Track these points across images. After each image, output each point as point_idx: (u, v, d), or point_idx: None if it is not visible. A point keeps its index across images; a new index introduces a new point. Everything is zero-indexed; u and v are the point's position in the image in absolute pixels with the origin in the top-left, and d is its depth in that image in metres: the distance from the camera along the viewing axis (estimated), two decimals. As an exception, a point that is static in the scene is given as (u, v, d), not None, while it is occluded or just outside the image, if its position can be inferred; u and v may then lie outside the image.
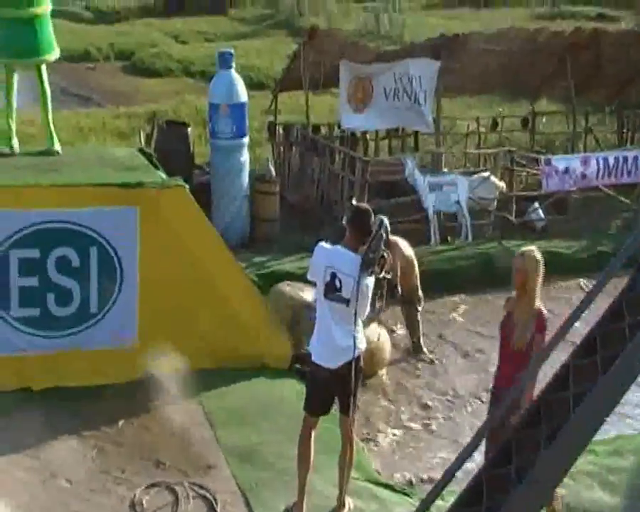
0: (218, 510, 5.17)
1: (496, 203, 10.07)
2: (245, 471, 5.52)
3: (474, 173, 10.32)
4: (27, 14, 6.71)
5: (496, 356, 5.35)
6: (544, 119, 13.22)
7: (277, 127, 11.95)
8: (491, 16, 30.02)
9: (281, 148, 11.77)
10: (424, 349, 7.66)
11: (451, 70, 11.03)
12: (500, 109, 13.31)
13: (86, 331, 6.52)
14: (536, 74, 11.87)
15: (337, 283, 4.89)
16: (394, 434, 6.47)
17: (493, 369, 5.58)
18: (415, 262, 7.57)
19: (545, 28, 11.64)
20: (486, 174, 10.14)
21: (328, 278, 4.92)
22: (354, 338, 4.88)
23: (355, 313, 4.86)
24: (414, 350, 7.65)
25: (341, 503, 5.22)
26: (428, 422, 6.66)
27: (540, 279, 5.10)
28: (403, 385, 7.21)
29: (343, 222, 5.07)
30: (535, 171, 10.80)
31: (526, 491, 2.32)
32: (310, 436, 5.13)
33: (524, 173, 11.18)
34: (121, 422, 6.02)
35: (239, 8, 35.53)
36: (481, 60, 11.42)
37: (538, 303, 5.08)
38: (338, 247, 5.00)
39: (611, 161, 10.50)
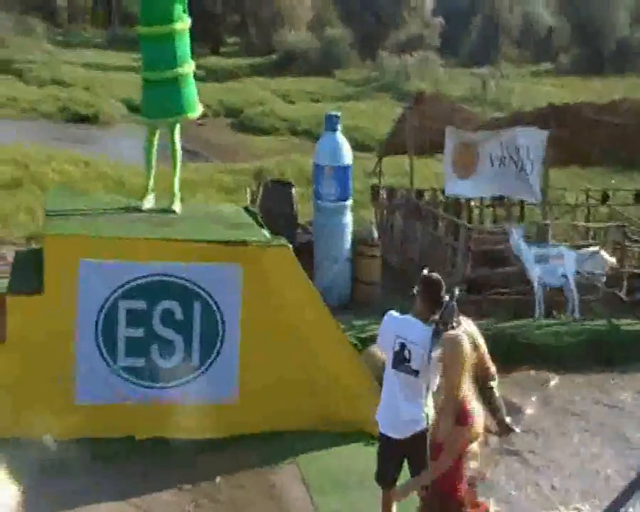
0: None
1: (605, 279, 9.75)
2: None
3: (583, 246, 10.05)
4: (169, 75, 6.92)
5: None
6: (656, 193, 12.81)
7: (381, 190, 12.00)
8: (603, 85, 29.59)
9: (385, 212, 11.80)
10: (512, 426, 7.30)
11: (559, 140, 10.86)
12: (613, 181, 12.98)
13: (188, 384, 6.61)
14: (649, 146, 11.56)
15: (406, 354, 4.86)
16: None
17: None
18: (481, 339, 7.18)
19: (660, 99, 11.34)
20: (595, 248, 9.87)
21: (397, 348, 4.89)
22: (423, 411, 4.78)
23: (427, 387, 4.80)
24: (502, 431, 7.19)
25: None
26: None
27: (458, 365, 4.43)
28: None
29: (415, 292, 5.01)
30: (646, 247, 10.44)
31: None
32: (389, 509, 5.04)
33: (637, 249, 10.81)
34: (218, 479, 6.03)
35: (345, 70, 36.26)
36: (592, 131, 11.20)
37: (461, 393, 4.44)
38: (408, 316, 4.98)
39: None
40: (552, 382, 8.32)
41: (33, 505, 5.32)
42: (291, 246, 6.94)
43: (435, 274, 5.17)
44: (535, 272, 9.41)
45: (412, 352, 4.84)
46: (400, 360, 4.88)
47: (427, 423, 4.76)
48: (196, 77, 7.33)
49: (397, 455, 4.97)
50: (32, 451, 5.68)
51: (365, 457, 6.28)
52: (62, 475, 5.76)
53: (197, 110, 7.21)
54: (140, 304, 6.47)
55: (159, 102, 7.03)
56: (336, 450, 6.46)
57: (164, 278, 6.51)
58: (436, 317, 4.74)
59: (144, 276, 6.46)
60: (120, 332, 6.46)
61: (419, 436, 4.76)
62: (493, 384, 7.13)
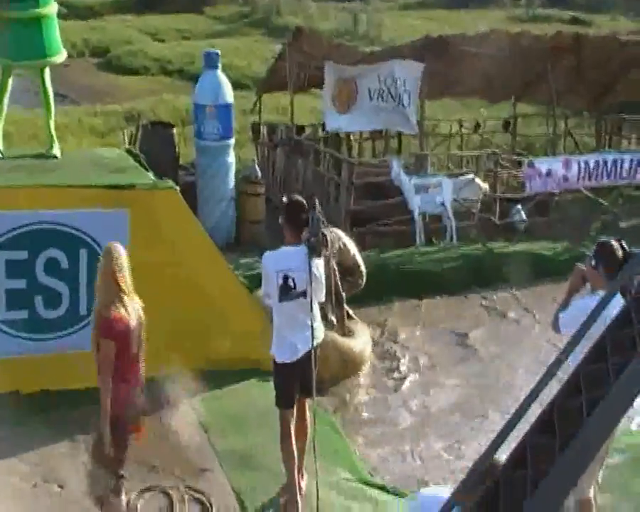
0: (213, 513, 5.16)
1: (479, 205, 10.15)
2: (240, 475, 5.51)
3: (459, 175, 10.39)
4: (32, 15, 6.57)
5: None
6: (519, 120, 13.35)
7: (262, 128, 11.95)
8: (467, 17, 30.24)
9: (266, 149, 11.77)
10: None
11: (434, 72, 11.09)
12: (483, 110, 13.42)
13: (75, 333, 6.47)
14: (518, 77, 11.97)
15: (290, 282, 5.00)
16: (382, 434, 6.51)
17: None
18: (351, 243, 7.43)
19: (527, 32, 11.74)
20: (470, 176, 10.22)
21: (281, 281, 5.01)
22: (312, 328, 5.00)
23: (311, 301, 4.98)
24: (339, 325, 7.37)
25: (301, 474, 5.32)
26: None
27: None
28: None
29: (280, 221, 5.17)
30: (517, 173, 10.91)
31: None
32: (290, 431, 5.21)
33: (506, 175, 11.28)
34: (112, 426, 5.96)
35: (215, 6, 35.39)
36: (464, 63, 11.48)
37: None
38: (282, 248, 5.12)
39: (592, 163, 10.66)
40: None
41: None
42: (177, 188, 6.86)
43: (294, 196, 5.33)
44: (415, 202, 9.68)
45: (296, 277, 4.97)
46: (286, 290, 5.00)
47: (316, 340, 5.02)
48: (57, 14, 6.96)
49: (295, 376, 5.14)
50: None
51: (261, 395, 6.40)
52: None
53: (62, 53, 6.91)
54: (21, 255, 6.24)
55: (22, 43, 6.67)
56: (231, 389, 6.51)
57: (48, 226, 6.30)
58: (306, 234, 4.90)
59: (24, 225, 6.23)
60: (0, 284, 6.22)
61: (309, 354, 4.99)
62: (360, 282, 7.40)
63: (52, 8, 6.72)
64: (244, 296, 7.12)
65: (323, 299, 5.28)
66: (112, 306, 4.40)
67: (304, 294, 4.98)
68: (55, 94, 7.25)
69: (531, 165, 10.42)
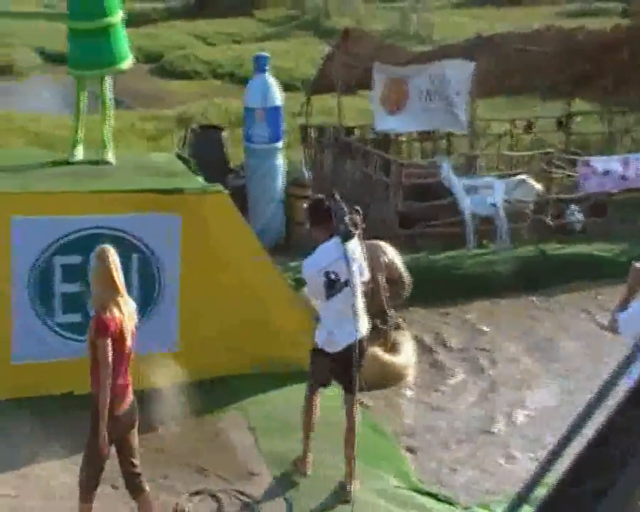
0: (261, 518, 5.17)
1: (532, 206, 9.97)
2: (287, 478, 5.52)
3: (511, 175, 10.23)
4: (100, 24, 6.69)
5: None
6: (578, 119, 13.06)
7: (310, 130, 11.94)
8: (519, 14, 29.83)
9: (314, 151, 11.76)
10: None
11: (486, 71, 10.94)
12: (536, 108, 13.18)
13: (127, 336, 6.54)
14: (572, 73, 11.73)
15: (332, 276, 5.12)
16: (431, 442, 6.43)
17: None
18: (394, 254, 7.45)
19: (583, 27, 11.48)
20: (522, 176, 10.05)
21: (324, 279, 5.13)
22: (357, 321, 5.09)
23: (356, 291, 5.07)
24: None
25: (351, 478, 5.34)
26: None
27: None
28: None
29: (307, 226, 5.37)
30: (572, 173, 10.69)
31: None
32: (312, 408, 5.44)
33: (561, 175, 11.07)
34: (160, 428, 6.03)
35: (264, 9, 35.60)
36: (517, 61, 11.31)
37: None
38: (318, 248, 5.26)
39: (651, 162, 10.37)
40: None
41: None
42: (227, 191, 6.89)
43: (314, 196, 5.54)
44: (466, 203, 9.56)
45: (336, 270, 5.10)
46: (331, 285, 5.13)
47: (359, 333, 5.09)
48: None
49: (331, 368, 5.29)
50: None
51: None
52: (3, 436, 5.68)
53: (129, 60, 7.02)
54: (76, 259, 6.34)
55: (89, 53, 6.80)
56: (279, 393, 6.51)
57: (100, 231, 6.37)
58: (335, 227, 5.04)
59: (78, 231, 6.33)
60: (56, 288, 6.33)
61: (360, 344, 5.08)
62: (403, 293, 7.43)
63: (118, 17, 6.82)
64: (292, 299, 7.12)
65: (367, 277, 5.37)
66: (109, 307, 4.48)
67: (346, 283, 5.07)
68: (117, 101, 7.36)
69: (586, 164, 10.20)
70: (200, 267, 6.64)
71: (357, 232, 5.22)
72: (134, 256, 6.52)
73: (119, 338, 4.49)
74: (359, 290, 5.25)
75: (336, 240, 5.08)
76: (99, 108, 7.19)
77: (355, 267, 5.17)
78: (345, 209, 5.14)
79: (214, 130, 10.88)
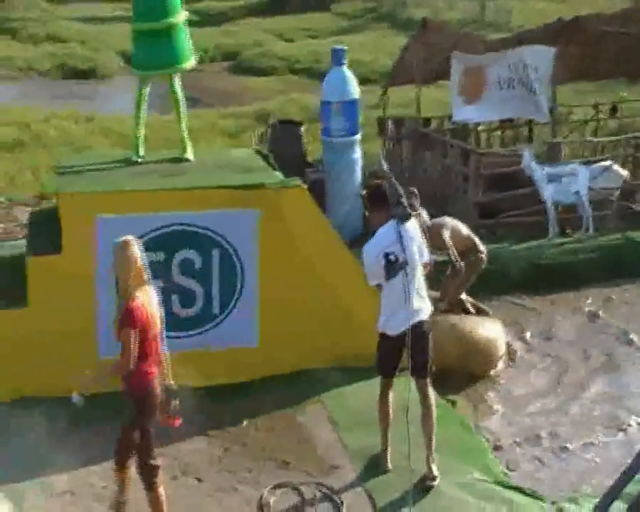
0: (344, 511, 5.16)
1: (618, 193, 9.66)
2: (370, 472, 5.50)
3: (595, 162, 9.94)
4: (162, 25, 6.81)
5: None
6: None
7: (388, 122, 11.87)
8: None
9: (392, 143, 11.69)
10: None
11: (568, 55, 10.64)
12: (623, 94, 12.76)
13: (209, 331, 6.65)
14: (659, 56, 11.31)
15: (392, 258, 5.16)
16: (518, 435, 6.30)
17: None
18: (461, 226, 7.44)
19: (671, 6, 11.06)
20: (607, 163, 9.75)
21: (384, 261, 5.18)
22: (420, 301, 5.21)
23: (414, 272, 5.15)
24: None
25: (431, 464, 5.33)
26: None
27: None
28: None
29: (366, 213, 5.34)
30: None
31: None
32: (387, 397, 5.45)
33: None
34: (245, 422, 6.10)
35: (341, 3, 35.57)
36: (601, 44, 10.97)
37: None
38: (377, 232, 5.29)
39: None
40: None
41: (59, 463, 5.38)
42: (306, 186, 6.90)
43: (371, 183, 5.65)
44: (548, 192, 9.33)
45: (396, 251, 5.15)
46: (391, 267, 5.18)
47: (422, 314, 5.20)
48: (190, 22, 7.18)
49: (396, 347, 5.30)
50: (59, 409, 5.73)
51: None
52: (88, 431, 5.82)
53: (192, 60, 7.10)
54: (159, 256, 6.45)
55: (153, 53, 6.91)
56: (359, 386, 6.49)
57: (182, 228, 6.50)
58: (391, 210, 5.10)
59: (161, 228, 6.45)
60: (140, 284, 6.46)
61: (419, 329, 5.15)
62: (482, 257, 7.35)
63: (180, 17, 6.91)
64: (371, 294, 7.07)
65: (427, 258, 5.40)
66: (136, 296, 4.59)
67: (406, 262, 5.13)
68: (188, 98, 7.47)
69: (678, 147, 9.82)
70: (279, 262, 6.68)
71: (414, 213, 5.23)
72: (215, 252, 6.61)
73: (146, 327, 4.58)
74: (419, 270, 5.29)
75: (393, 222, 5.13)
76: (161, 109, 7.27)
77: (414, 247, 5.20)
78: (402, 191, 5.18)
79: (293, 125, 10.92)
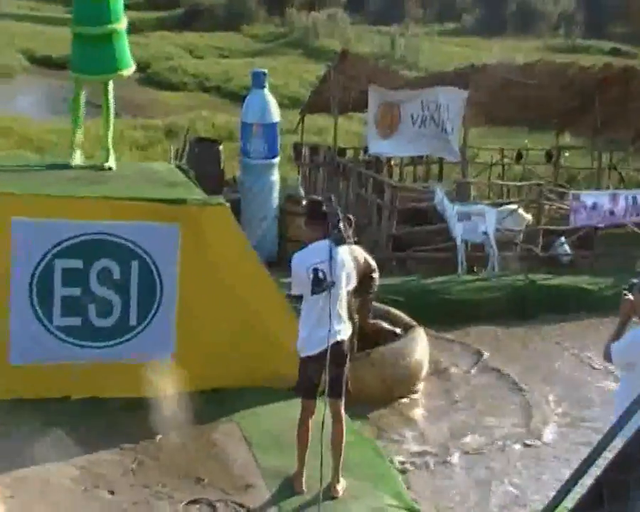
0: (258, 530, 5.18)
1: (522, 236, 10.15)
2: (284, 493, 5.53)
3: (502, 204, 10.41)
4: (103, 31, 6.74)
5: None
6: (567, 154, 13.32)
7: (304, 149, 12.05)
8: (504, 46, 30.32)
9: (307, 170, 11.86)
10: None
11: (477, 100, 11.13)
12: (526, 141, 13.42)
13: (125, 343, 6.56)
14: (563, 108, 11.99)
15: (320, 275, 5.25)
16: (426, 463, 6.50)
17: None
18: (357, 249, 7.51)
19: (575, 63, 11.77)
20: (514, 206, 10.23)
21: (312, 275, 5.26)
22: (341, 322, 5.29)
23: (338, 294, 5.23)
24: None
25: (337, 479, 5.46)
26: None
27: None
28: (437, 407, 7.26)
29: (303, 224, 5.47)
30: (561, 205, 10.89)
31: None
32: (307, 421, 5.47)
33: (549, 207, 11.27)
34: (159, 437, 6.03)
35: (252, 26, 35.79)
36: (509, 92, 11.54)
37: None
38: (310, 245, 5.37)
39: (639, 198, 10.63)
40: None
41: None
42: (228, 204, 6.94)
43: (310, 197, 5.75)
44: (458, 230, 9.70)
45: (325, 270, 5.23)
46: (318, 283, 5.25)
47: (339, 336, 5.25)
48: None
49: (316, 368, 5.35)
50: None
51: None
52: (1, 438, 5.65)
53: (131, 66, 7.06)
54: (76, 263, 6.35)
55: (93, 58, 6.84)
56: (273, 407, 6.52)
57: (101, 237, 6.40)
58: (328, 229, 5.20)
59: (80, 235, 6.33)
60: (56, 291, 6.33)
61: (335, 350, 5.18)
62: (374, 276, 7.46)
63: (122, 24, 6.87)
64: (288, 315, 7.16)
65: (353, 285, 5.56)
66: None
67: (333, 284, 5.21)
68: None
69: (577, 198, 10.42)
70: (198, 278, 6.67)
71: (349, 240, 5.35)
72: (134, 263, 6.54)
73: None
74: (344, 295, 5.40)
75: (328, 243, 5.23)
76: (85, 114, 7.20)
77: (343, 273, 5.32)
78: (340, 215, 5.32)
79: (211, 143, 10.93)
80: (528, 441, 6.81)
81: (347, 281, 5.44)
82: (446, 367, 8.03)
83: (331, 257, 5.20)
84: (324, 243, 5.26)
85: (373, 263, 7.51)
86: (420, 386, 7.42)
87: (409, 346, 7.30)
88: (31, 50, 26.06)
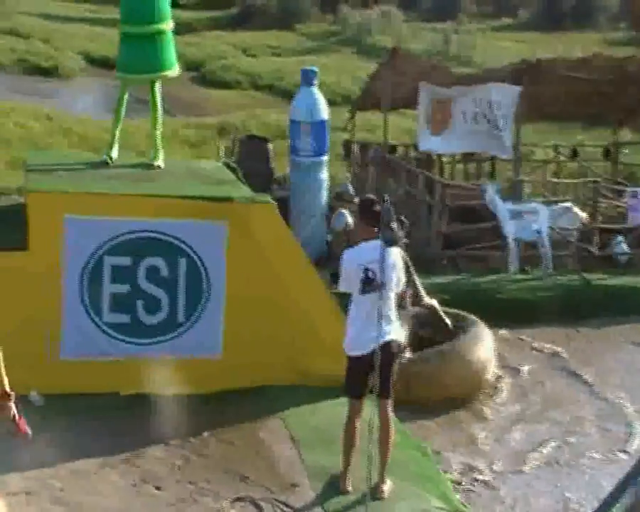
0: (302, 530, 5.17)
1: (577, 234, 9.92)
2: (329, 493, 5.49)
3: (556, 202, 10.19)
4: (149, 30, 6.79)
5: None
6: (626, 150, 12.98)
7: (354, 146, 12.00)
8: (561, 40, 29.76)
9: (357, 168, 11.81)
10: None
11: (531, 95, 10.93)
12: (580, 137, 13.13)
13: (172, 340, 6.60)
14: (621, 103, 11.69)
15: (370, 274, 5.22)
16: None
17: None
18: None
19: (635, 57, 11.44)
20: (568, 204, 10.02)
21: (362, 275, 5.24)
22: (391, 323, 5.25)
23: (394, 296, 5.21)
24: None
25: (382, 479, 5.40)
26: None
27: None
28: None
29: (355, 222, 5.39)
30: (618, 203, 10.62)
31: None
32: (355, 421, 5.42)
33: (606, 205, 11.01)
34: (205, 434, 6.06)
35: (306, 24, 35.86)
36: (564, 87, 11.30)
37: None
38: (361, 243, 5.32)
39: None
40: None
41: (19, 460, 5.29)
42: (275, 202, 6.94)
43: (365, 196, 5.62)
44: (510, 228, 9.54)
45: (375, 270, 5.18)
46: (368, 282, 5.23)
47: (388, 336, 5.21)
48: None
49: (364, 368, 5.30)
50: (19, 406, 5.63)
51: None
52: (49, 430, 5.73)
53: (176, 68, 7.11)
54: (125, 260, 6.42)
55: (139, 57, 6.89)
56: (319, 405, 6.49)
57: (150, 234, 6.46)
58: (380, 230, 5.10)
59: (129, 232, 6.40)
60: (105, 288, 6.40)
61: (383, 350, 5.13)
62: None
63: (168, 25, 6.91)
64: (335, 313, 7.12)
65: (402, 288, 5.51)
66: None
67: (383, 285, 5.16)
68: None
69: (635, 195, 10.15)
70: (245, 275, 6.69)
71: (400, 242, 5.28)
72: (182, 261, 6.58)
73: None
74: (392, 297, 5.35)
75: (379, 243, 5.15)
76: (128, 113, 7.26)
77: (393, 274, 5.27)
78: (394, 216, 5.24)
79: (260, 141, 10.96)
80: (612, 453, 6.56)
81: (396, 283, 5.38)
82: (515, 367, 7.85)
83: (382, 258, 5.12)
84: (376, 243, 5.18)
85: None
86: (487, 387, 7.25)
87: (473, 342, 7.14)
88: (90, 52, 26.53)
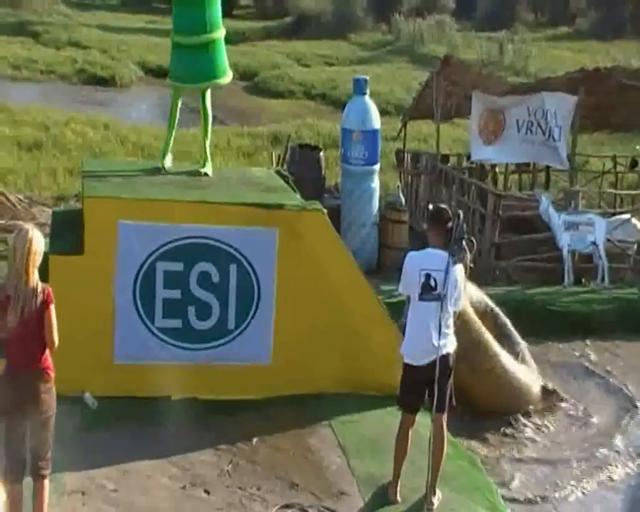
0: (350, 537, 5.14)
1: (636, 247, 9.70)
2: (378, 502, 5.47)
3: (613, 214, 10.00)
4: (202, 40, 6.86)
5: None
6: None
7: (406, 155, 11.95)
8: (621, 49, 29.26)
9: (409, 177, 11.75)
10: None
11: (589, 105, 10.76)
12: (638, 147, 12.87)
13: (223, 346, 6.65)
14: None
15: (432, 282, 5.13)
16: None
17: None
18: None
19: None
20: (626, 216, 9.81)
21: (423, 279, 5.17)
22: (448, 336, 5.17)
23: (453, 310, 5.14)
24: None
25: (433, 491, 5.36)
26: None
27: None
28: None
29: (425, 227, 5.38)
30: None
31: None
32: (407, 434, 5.40)
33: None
34: (255, 440, 6.08)
35: (359, 33, 35.93)
36: (620, 97, 11.09)
37: None
38: (427, 249, 5.26)
39: None
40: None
41: (72, 462, 5.37)
42: (325, 211, 6.94)
43: (438, 204, 5.52)
44: (565, 239, 9.38)
45: (437, 279, 5.12)
46: (427, 289, 5.16)
47: (445, 349, 5.14)
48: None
49: (420, 381, 5.27)
50: (72, 408, 5.72)
51: (398, 421, 6.34)
52: (101, 432, 5.83)
53: (228, 76, 7.16)
54: (177, 266, 6.48)
55: (191, 66, 6.96)
56: (369, 413, 6.48)
57: (201, 240, 6.51)
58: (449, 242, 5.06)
59: (181, 239, 6.46)
60: (158, 293, 6.48)
61: (441, 364, 5.09)
62: None
63: (220, 33, 6.98)
64: (386, 322, 7.09)
65: (460, 308, 5.43)
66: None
67: (443, 296, 5.09)
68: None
69: (699, 208, 9.88)
70: (295, 283, 6.70)
71: (465, 259, 5.21)
72: (233, 267, 6.62)
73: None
74: (451, 312, 5.26)
75: (446, 254, 5.08)
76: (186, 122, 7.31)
77: (454, 290, 5.19)
78: (465, 234, 5.17)
79: (312, 149, 10.99)
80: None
81: (456, 300, 5.29)
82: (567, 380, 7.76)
83: (447, 270, 5.06)
84: (442, 253, 5.12)
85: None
86: (537, 403, 7.16)
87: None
88: (146, 61, 27.01)
